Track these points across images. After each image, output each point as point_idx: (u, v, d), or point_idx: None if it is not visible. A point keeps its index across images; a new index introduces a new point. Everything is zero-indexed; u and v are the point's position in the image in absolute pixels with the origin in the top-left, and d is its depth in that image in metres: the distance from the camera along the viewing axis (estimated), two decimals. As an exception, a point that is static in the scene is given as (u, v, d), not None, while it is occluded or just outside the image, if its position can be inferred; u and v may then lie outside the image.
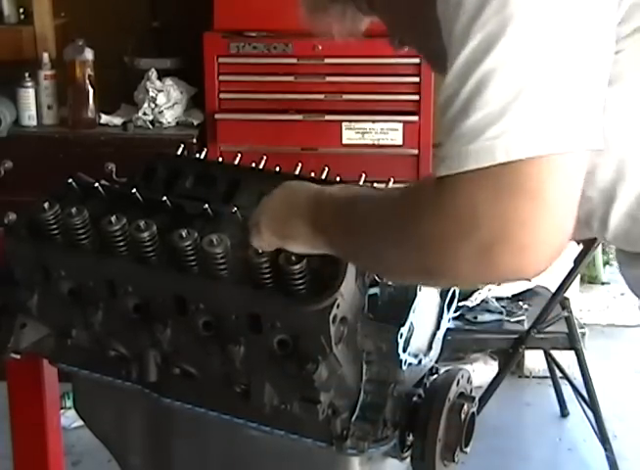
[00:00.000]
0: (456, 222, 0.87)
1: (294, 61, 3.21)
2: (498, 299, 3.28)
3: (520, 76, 0.86)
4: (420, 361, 1.32)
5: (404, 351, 1.26)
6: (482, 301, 3.26)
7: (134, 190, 1.38)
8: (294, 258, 1.18)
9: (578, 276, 3.17)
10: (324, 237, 1.10)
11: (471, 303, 3.24)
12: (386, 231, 0.98)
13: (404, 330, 1.25)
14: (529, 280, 1.17)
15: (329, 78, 3.19)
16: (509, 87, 0.86)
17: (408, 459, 1.31)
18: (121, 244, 1.30)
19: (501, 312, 3.21)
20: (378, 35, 1.27)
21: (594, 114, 0.88)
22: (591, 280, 4.08)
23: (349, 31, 1.23)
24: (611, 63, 0.91)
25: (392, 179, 1.48)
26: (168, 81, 3.31)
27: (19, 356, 1.46)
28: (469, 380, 1.34)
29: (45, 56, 3.27)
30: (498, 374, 3.04)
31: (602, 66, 0.90)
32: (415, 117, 3.25)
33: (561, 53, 0.86)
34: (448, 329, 1.41)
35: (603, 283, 4.08)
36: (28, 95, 3.23)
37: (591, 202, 1.06)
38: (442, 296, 1.37)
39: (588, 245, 2.81)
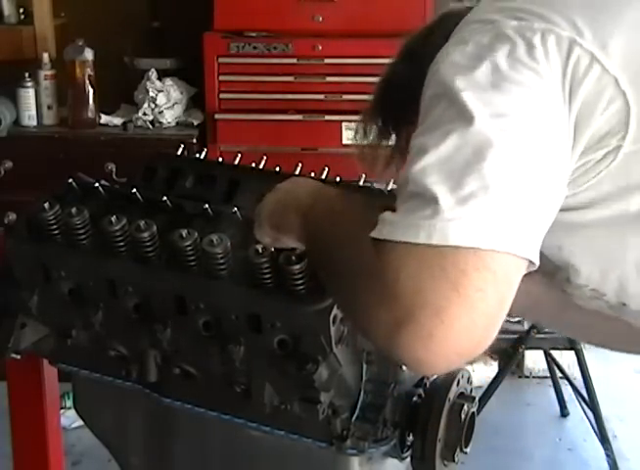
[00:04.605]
0: (380, 289, 0.84)
1: (294, 61, 3.21)
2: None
3: (466, 172, 0.84)
4: (420, 361, 1.32)
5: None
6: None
7: (134, 190, 1.38)
8: (294, 258, 1.18)
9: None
10: (307, 231, 1.09)
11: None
12: (346, 276, 0.95)
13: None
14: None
15: (329, 78, 3.19)
16: (450, 176, 0.84)
17: (408, 459, 1.32)
18: (122, 244, 1.30)
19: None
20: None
21: (536, 229, 0.85)
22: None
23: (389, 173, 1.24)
24: (558, 201, 0.90)
25: (392, 179, 1.48)
26: (168, 81, 3.30)
27: (19, 356, 1.46)
28: (469, 380, 1.34)
29: (45, 56, 3.27)
30: (498, 374, 3.03)
31: (552, 197, 0.88)
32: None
33: (515, 163, 0.85)
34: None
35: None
36: (28, 95, 3.23)
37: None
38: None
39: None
